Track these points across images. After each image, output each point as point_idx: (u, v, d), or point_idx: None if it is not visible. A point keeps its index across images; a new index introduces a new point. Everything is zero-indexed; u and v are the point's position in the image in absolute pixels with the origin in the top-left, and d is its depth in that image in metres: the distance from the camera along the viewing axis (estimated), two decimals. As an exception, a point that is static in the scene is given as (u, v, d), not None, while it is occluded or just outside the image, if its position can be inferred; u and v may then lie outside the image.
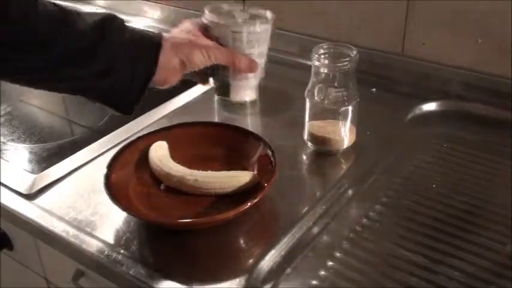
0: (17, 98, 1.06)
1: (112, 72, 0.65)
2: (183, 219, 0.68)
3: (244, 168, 0.75)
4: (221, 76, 0.80)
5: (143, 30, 0.70)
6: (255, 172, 0.74)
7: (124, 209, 0.67)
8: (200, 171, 0.73)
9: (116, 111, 0.70)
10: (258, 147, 0.77)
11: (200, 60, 0.72)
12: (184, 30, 0.73)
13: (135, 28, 0.69)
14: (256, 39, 0.78)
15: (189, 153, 0.79)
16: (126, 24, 0.68)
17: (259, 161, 0.76)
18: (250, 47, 0.79)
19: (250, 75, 0.80)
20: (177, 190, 0.73)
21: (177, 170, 0.73)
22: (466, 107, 0.92)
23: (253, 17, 0.79)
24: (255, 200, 0.66)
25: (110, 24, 0.66)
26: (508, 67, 0.90)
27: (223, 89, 0.82)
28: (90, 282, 0.74)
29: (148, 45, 0.68)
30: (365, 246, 0.68)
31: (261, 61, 0.82)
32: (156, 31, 0.71)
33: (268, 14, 0.81)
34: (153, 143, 0.78)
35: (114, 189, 0.69)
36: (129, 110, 0.70)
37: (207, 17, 0.79)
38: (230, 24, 0.76)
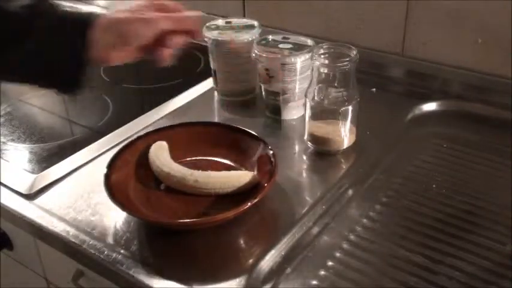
0: (17, 98, 1.06)
1: (47, 50, 0.65)
2: (183, 219, 0.68)
3: (245, 168, 0.75)
4: (272, 100, 0.89)
5: (79, 11, 0.68)
6: (255, 172, 0.74)
7: (124, 209, 0.67)
8: (200, 171, 0.73)
9: (60, 92, 0.69)
10: (258, 147, 0.77)
11: (142, 32, 0.68)
12: (132, 9, 0.71)
13: (68, 9, 0.67)
14: (301, 67, 0.85)
15: (189, 153, 0.79)
16: (59, 5, 0.66)
17: (259, 161, 0.76)
18: (294, 74, 0.86)
19: (298, 99, 0.88)
20: (177, 190, 0.73)
21: (177, 170, 0.73)
22: (466, 107, 0.92)
23: (296, 46, 0.87)
24: (255, 200, 0.66)
25: (40, 3, 0.65)
26: (508, 67, 0.90)
27: (275, 110, 0.90)
28: (90, 282, 0.74)
29: (81, 22, 0.66)
30: (365, 246, 0.68)
31: (306, 83, 0.85)
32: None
33: (310, 42, 0.88)
34: (153, 143, 0.78)
35: (114, 189, 0.69)
36: (73, 90, 0.68)
37: (256, 50, 0.87)
38: (279, 57, 0.85)
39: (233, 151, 0.79)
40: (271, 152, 0.74)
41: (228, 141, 0.79)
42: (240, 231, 0.68)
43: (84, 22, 0.66)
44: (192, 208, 0.71)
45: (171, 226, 0.68)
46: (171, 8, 0.72)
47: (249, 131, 0.79)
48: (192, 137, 0.80)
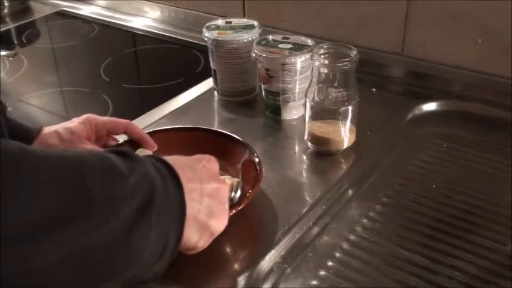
0: (16, 98, 1.06)
1: None
2: None
3: (229, 175, 0.74)
4: (272, 100, 0.89)
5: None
6: (239, 178, 0.72)
7: None
8: None
9: None
10: (243, 153, 0.76)
11: None
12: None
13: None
14: (301, 67, 0.86)
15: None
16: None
17: (244, 167, 0.74)
18: (294, 74, 0.86)
19: (298, 99, 0.89)
20: None
21: None
22: (466, 107, 0.92)
23: (296, 46, 0.87)
24: (240, 207, 0.65)
25: None
26: (508, 67, 0.90)
27: (275, 110, 0.91)
28: (90, 282, 0.74)
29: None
30: (365, 246, 0.67)
31: (306, 83, 0.85)
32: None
33: (310, 42, 0.88)
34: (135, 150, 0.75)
35: None
36: None
37: (256, 50, 0.87)
38: (279, 57, 0.85)
39: (218, 157, 0.77)
40: (256, 159, 0.73)
41: (213, 147, 0.77)
42: (240, 232, 0.68)
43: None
44: None
45: None
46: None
47: (234, 136, 0.78)
48: (176, 143, 0.77)
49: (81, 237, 0.41)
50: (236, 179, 0.72)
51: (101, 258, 0.43)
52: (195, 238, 0.55)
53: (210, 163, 0.60)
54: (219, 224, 0.58)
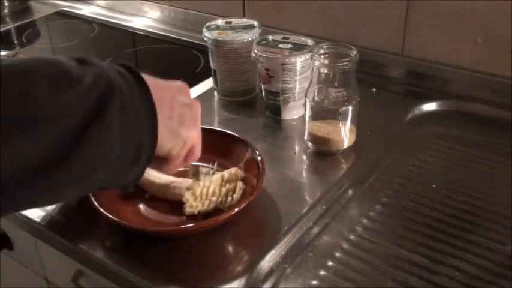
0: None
1: None
2: (174, 226, 0.67)
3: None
4: (272, 100, 0.89)
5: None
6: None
7: (116, 221, 0.65)
8: (181, 179, 0.71)
9: None
10: (245, 152, 0.75)
11: None
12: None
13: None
14: (301, 67, 0.86)
15: None
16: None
17: (246, 166, 0.74)
18: (294, 74, 0.86)
19: (298, 99, 0.89)
20: (161, 199, 0.71)
21: (160, 178, 0.71)
22: (466, 107, 0.92)
23: (296, 46, 0.87)
24: (244, 205, 0.65)
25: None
26: (508, 67, 0.90)
27: (275, 110, 0.90)
28: (90, 282, 0.74)
29: None
30: (365, 246, 0.67)
31: (306, 83, 0.85)
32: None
33: (310, 42, 0.88)
34: None
35: (103, 201, 0.67)
36: None
37: (256, 50, 0.87)
38: (279, 57, 0.85)
39: (220, 156, 0.77)
40: (259, 158, 0.73)
41: (215, 146, 0.76)
42: (240, 232, 0.68)
43: None
44: (180, 214, 0.69)
45: (165, 234, 0.68)
46: None
47: (236, 134, 0.78)
48: None
49: (24, 147, 0.40)
50: (236, 168, 0.72)
51: (50, 168, 0.42)
52: (168, 145, 0.54)
53: (182, 86, 0.59)
54: (191, 133, 0.56)
